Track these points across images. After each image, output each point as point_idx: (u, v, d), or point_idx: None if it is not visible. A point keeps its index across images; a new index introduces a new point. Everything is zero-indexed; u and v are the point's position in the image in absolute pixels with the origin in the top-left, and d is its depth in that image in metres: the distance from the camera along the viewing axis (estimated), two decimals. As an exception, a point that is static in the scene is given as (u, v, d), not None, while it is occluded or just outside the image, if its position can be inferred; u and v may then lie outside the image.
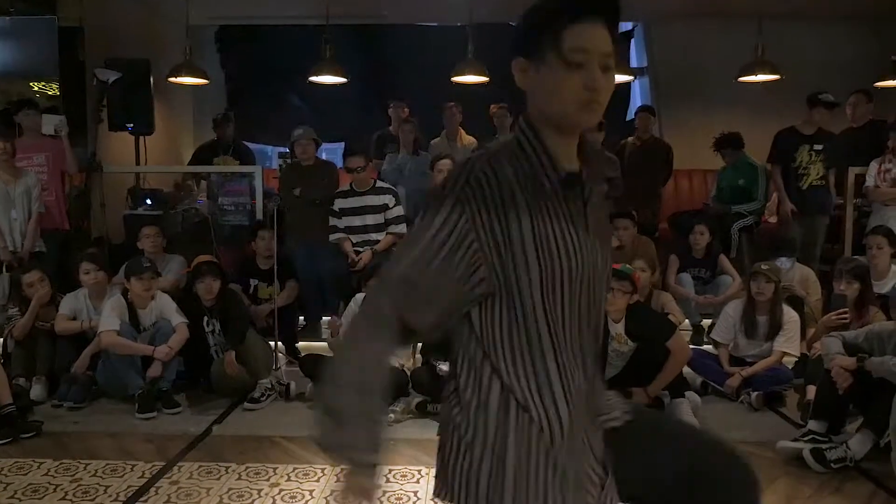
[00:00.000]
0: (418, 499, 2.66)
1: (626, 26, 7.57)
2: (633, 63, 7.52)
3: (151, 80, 5.86)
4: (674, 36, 6.99)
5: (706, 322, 4.62)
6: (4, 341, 4.02)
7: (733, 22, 6.19)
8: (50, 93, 6.11)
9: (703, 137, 5.56)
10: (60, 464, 2.94)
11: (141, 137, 5.93)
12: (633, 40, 7.74)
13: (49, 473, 2.85)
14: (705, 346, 4.33)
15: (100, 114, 5.61)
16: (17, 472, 2.87)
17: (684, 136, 6.26)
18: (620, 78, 5.77)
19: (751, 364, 3.82)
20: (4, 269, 4.36)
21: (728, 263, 4.80)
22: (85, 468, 2.90)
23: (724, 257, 4.83)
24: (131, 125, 5.84)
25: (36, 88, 6.16)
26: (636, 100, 7.74)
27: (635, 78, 6.91)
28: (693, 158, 6.03)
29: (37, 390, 3.73)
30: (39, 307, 3.89)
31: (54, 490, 2.71)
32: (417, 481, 2.81)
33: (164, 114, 6.46)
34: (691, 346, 3.83)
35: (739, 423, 3.48)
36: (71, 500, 2.63)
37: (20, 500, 2.63)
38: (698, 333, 4.64)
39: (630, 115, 7.41)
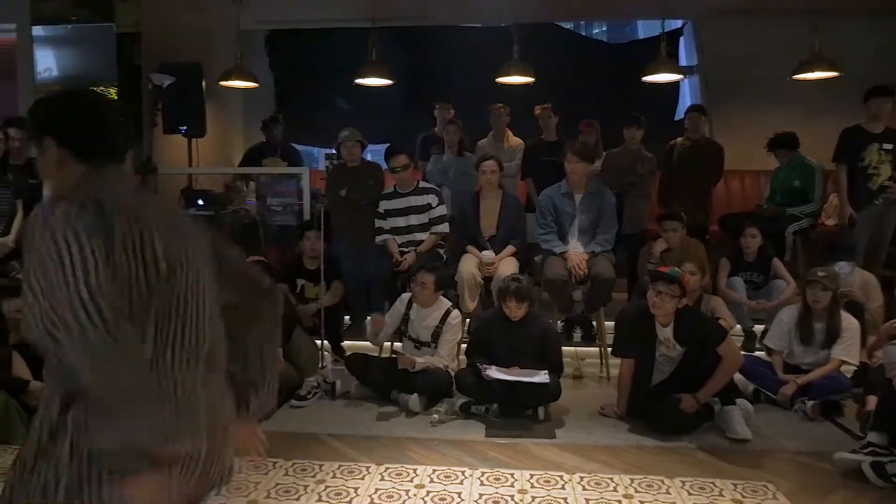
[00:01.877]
0: (462, 500, 2.66)
1: (675, 24, 7.41)
2: (683, 62, 7.35)
3: (203, 83, 6.02)
4: (724, 33, 6.81)
5: (759, 328, 4.50)
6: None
7: (785, 18, 6.00)
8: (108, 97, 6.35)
9: (754, 137, 5.40)
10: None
11: (193, 140, 6.10)
12: (682, 38, 7.57)
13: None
14: (758, 353, 4.21)
15: (155, 117, 5.80)
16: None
17: (735, 135, 6.09)
18: (669, 77, 5.66)
19: (806, 372, 3.70)
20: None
21: (782, 267, 4.65)
22: (139, 460, 3.00)
23: (777, 261, 4.69)
24: (184, 128, 6.00)
25: (95, 93, 6.39)
26: (685, 99, 7.57)
27: (684, 77, 6.75)
28: (744, 159, 5.87)
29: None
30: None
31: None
32: (461, 482, 2.80)
33: (216, 116, 6.62)
34: (743, 353, 3.72)
35: (794, 432, 3.37)
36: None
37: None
38: (750, 339, 4.51)
39: (679, 114, 7.26)
